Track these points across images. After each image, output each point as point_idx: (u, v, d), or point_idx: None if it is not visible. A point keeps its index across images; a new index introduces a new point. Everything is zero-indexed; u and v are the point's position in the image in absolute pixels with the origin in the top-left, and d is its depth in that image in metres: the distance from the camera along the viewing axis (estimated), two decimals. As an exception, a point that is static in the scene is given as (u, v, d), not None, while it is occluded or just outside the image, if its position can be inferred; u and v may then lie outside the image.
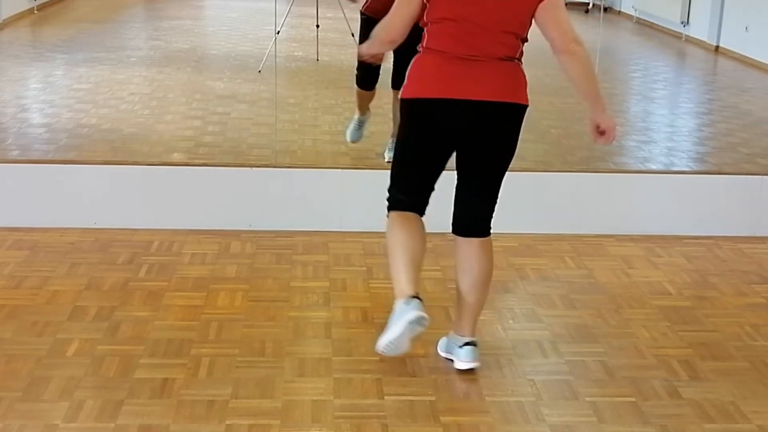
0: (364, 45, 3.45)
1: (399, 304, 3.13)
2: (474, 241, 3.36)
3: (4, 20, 9.69)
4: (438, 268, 4.32)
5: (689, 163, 5.61)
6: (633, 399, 3.23)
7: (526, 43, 3.24)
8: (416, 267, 3.23)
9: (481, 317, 3.83)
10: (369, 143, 5.52)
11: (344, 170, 4.93)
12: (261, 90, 7.00)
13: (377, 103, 5.39)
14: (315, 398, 3.16)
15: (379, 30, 3.30)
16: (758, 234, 4.92)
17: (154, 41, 9.52)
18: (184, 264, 4.32)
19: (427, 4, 3.16)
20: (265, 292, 4.05)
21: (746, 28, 9.69)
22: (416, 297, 3.13)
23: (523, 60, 3.25)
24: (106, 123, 5.93)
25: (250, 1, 12.15)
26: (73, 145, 5.41)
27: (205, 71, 7.90)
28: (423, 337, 3.60)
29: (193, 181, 4.85)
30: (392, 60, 4.76)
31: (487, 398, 3.21)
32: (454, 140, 3.25)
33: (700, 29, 10.66)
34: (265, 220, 4.77)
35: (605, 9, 12.64)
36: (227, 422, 3.00)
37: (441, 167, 3.32)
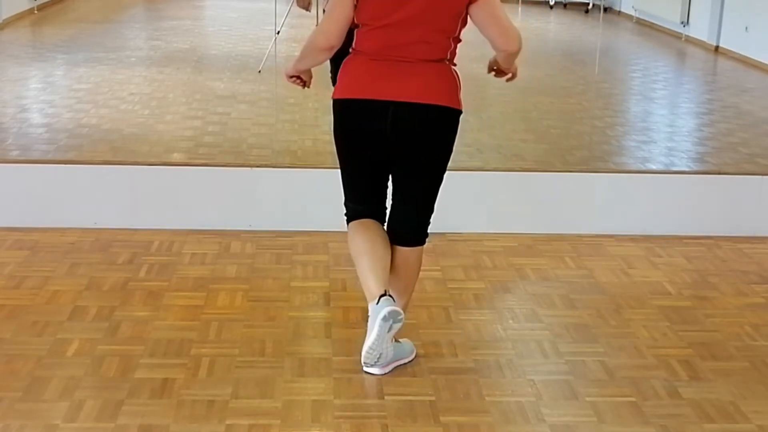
0: (290, 66, 3.33)
1: (371, 307, 3.20)
2: (404, 249, 3.33)
3: (4, 20, 9.69)
4: (438, 268, 4.32)
5: (689, 163, 5.61)
6: (633, 399, 3.23)
7: (460, 44, 3.19)
8: (382, 267, 3.25)
9: (481, 317, 3.85)
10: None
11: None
12: (261, 90, 7.01)
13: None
14: (315, 398, 3.16)
15: (316, 37, 3.21)
16: (758, 234, 4.92)
17: (154, 41, 9.52)
18: (184, 264, 4.32)
19: (357, 6, 3.11)
20: (265, 292, 4.05)
21: (746, 28, 9.69)
22: (385, 294, 3.19)
23: (456, 61, 3.21)
24: (106, 123, 5.93)
25: (250, 1, 12.15)
26: (73, 145, 5.41)
27: (205, 71, 7.90)
28: (423, 337, 3.61)
29: (193, 181, 4.85)
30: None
31: (487, 398, 3.21)
32: (382, 143, 3.19)
33: (700, 29, 10.66)
34: (265, 220, 4.77)
35: (605, 9, 12.66)
36: (227, 422, 3.00)
37: (380, 171, 3.28)
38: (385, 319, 3.14)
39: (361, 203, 3.35)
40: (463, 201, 4.74)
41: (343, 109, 3.22)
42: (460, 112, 3.20)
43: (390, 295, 3.22)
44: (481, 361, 3.46)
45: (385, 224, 3.40)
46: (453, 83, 3.17)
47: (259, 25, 10.01)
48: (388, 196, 3.41)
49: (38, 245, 4.47)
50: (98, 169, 4.89)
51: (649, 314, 3.94)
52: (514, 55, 3.22)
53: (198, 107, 6.48)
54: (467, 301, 4.00)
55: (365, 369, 3.30)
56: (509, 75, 3.36)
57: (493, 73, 3.38)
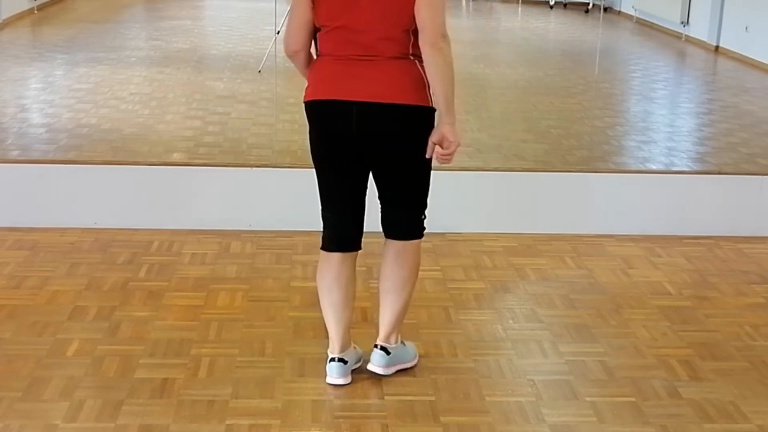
0: None
1: (328, 357, 3.30)
2: (394, 243, 3.25)
3: (4, 20, 9.69)
4: (438, 268, 4.32)
5: (689, 163, 5.61)
6: (633, 399, 3.23)
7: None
8: (343, 324, 3.27)
9: (481, 317, 3.85)
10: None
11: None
12: (261, 90, 7.00)
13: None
14: (315, 398, 3.16)
15: (284, 44, 3.18)
16: (758, 234, 4.92)
17: (154, 41, 9.52)
18: (184, 264, 4.32)
19: (314, 10, 3.06)
20: (265, 292, 4.05)
21: (746, 28, 9.69)
22: (341, 360, 3.26)
23: (420, 54, 3.03)
24: (106, 123, 5.93)
25: (250, 1, 12.15)
26: (73, 145, 5.41)
27: (205, 71, 7.90)
28: (423, 337, 3.61)
29: (193, 181, 4.85)
30: None
31: (487, 398, 3.20)
32: (349, 145, 3.11)
33: (700, 29, 10.66)
34: (265, 220, 4.77)
35: (605, 9, 12.66)
36: (227, 422, 3.00)
37: (354, 174, 3.17)
38: (331, 384, 3.27)
39: (335, 211, 3.24)
40: (463, 201, 4.74)
41: (310, 112, 3.15)
42: (430, 109, 3.06)
43: (344, 361, 3.27)
44: (481, 361, 3.46)
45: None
46: (420, 80, 3.03)
47: (259, 25, 10.01)
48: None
49: (38, 245, 4.47)
50: (98, 169, 4.89)
51: (649, 314, 3.94)
52: (440, 63, 2.97)
53: (198, 107, 6.48)
54: (467, 301, 4.00)
55: (369, 367, 3.29)
56: (452, 147, 3.06)
57: (435, 153, 3.09)
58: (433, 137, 3.08)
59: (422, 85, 3.04)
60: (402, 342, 3.36)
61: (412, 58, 3.05)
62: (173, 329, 3.64)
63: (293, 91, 7.00)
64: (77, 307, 3.81)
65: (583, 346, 3.62)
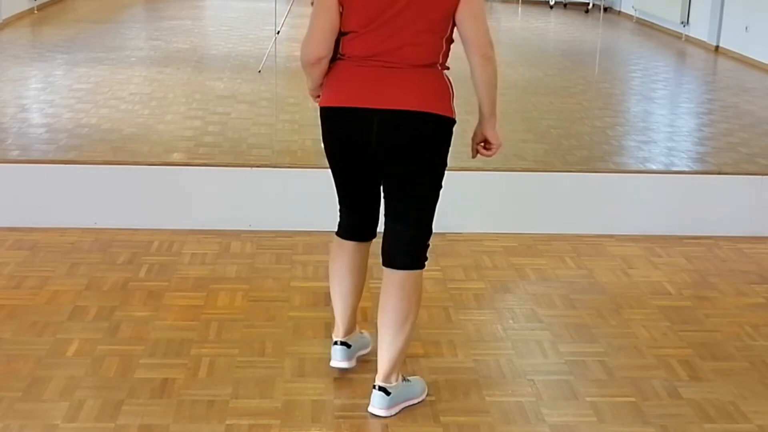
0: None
1: (332, 341, 3.33)
2: (395, 274, 3.05)
3: (4, 20, 9.69)
4: (438, 268, 4.32)
5: (689, 163, 5.61)
6: (633, 399, 3.23)
7: (452, 44, 3.01)
8: (350, 310, 3.31)
9: (481, 317, 3.85)
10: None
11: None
12: (261, 90, 7.00)
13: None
14: (315, 398, 3.16)
15: (302, 52, 2.99)
16: (758, 234, 4.92)
17: (154, 41, 9.52)
18: (184, 264, 4.32)
19: (343, 12, 2.94)
20: (265, 292, 4.05)
21: (746, 28, 9.69)
22: (345, 344, 3.30)
23: (448, 65, 3.02)
24: (106, 123, 5.93)
25: (250, 1, 12.16)
26: (73, 145, 5.41)
27: (205, 71, 7.90)
28: (423, 337, 3.61)
29: (193, 181, 4.85)
30: None
31: (487, 398, 3.21)
32: (367, 154, 3.02)
33: (700, 29, 10.66)
34: (265, 220, 4.77)
35: (605, 9, 12.66)
36: (227, 422, 3.00)
37: (369, 182, 3.13)
38: (335, 368, 3.32)
39: (350, 210, 3.25)
40: (463, 201, 4.74)
41: (327, 118, 3.04)
42: (452, 120, 2.99)
43: (348, 345, 3.30)
44: (481, 361, 3.46)
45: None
46: (444, 89, 2.97)
47: (259, 25, 10.01)
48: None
49: (38, 245, 4.47)
50: (98, 169, 4.89)
51: (649, 314, 3.94)
52: (489, 72, 2.97)
53: (198, 107, 6.48)
54: (467, 301, 4.00)
55: (370, 410, 3.09)
56: (494, 149, 3.13)
57: (478, 150, 3.15)
58: (477, 138, 3.12)
59: (447, 95, 2.97)
60: (405, 378, 3.17)
61: (439, 67, 2.98)
62: (173, 329, 3.64)
63: (293, 91, 7.02)
64: (77, 307, 3.81)
65: (583, 346, 3.63)
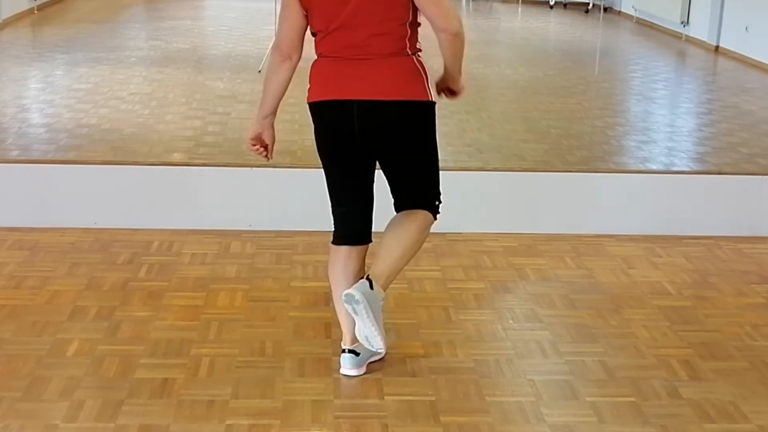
0: (252, 124, 3.40)
1: (342, 348, 3.34)
2: (412, 210, 3.28)
3: (4, 20, 9.69)
4: (438, 268, 4.32)
5: (689, 163, 5.60)
6: (633, 399, 3.23)
7: (419, 27, 3.14)
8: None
9: (481, 317, 3.85)
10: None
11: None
12: (261, 90, 6.97)
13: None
14: (315, 398, 3.16)
15: (272, 53, 3.26)
16: (758, 234, 4.92)
17: (154, 41, 9.52)
18: (184, 264, 4.32)
19: (308, 16, 3.12)
20: (265, 292, 4.05)
21: (746, 28, 9.69)
22: (353, 352, 3.30)
23: (419, 47, 3.15)
24: (106, 123, 5.93)
25: (250, 1, 12.16)
26: (73, 145, 5.41)
27: (205, 71, 7.90)
28: (423, 337, 3.61)
29: (193, 181, 4.85)
30: None
31: (487, 398, 3.21)
32: (353, 142, 3.17)
33: (700, 29, 10.66)
34: (265, 220, 4.77)
35: (605, 9, 12.66)
36: (227, 422, 3.00)
37: (361, 169, 3.25)
38: (344, 374, 3.30)
39: (344, 207, 3.31)
40: (463, 201, 4.74)
41: (314, 113, 3.23)
42: (430, 103, 3.14)
43: (356, 353, 3.30)
44: (481, 361, 3.46)
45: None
46: (417, 74, 3.11)
47: (259, 25, 10.01)
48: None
49: (38, 245, 4.47)
50: (98, 169, 4.89)
51: (649, 314, 3.94)
52: (457, 45, 3.11)
53: (198, 107, 6.48)
54: (467, 301, 4.00)
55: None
56: (459, 93, 3.29)
57: (443, 94, 3.30)
58: (440, 85, 3.24)
59: (420, 79, 3.11)
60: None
61: (409, 52, 3.11)
62: (173, 329, 3.64)
63: (293, 91, 6.96)
64: (77, 307, 3.81)
65: (583, 346, 3.63)
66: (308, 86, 3.24)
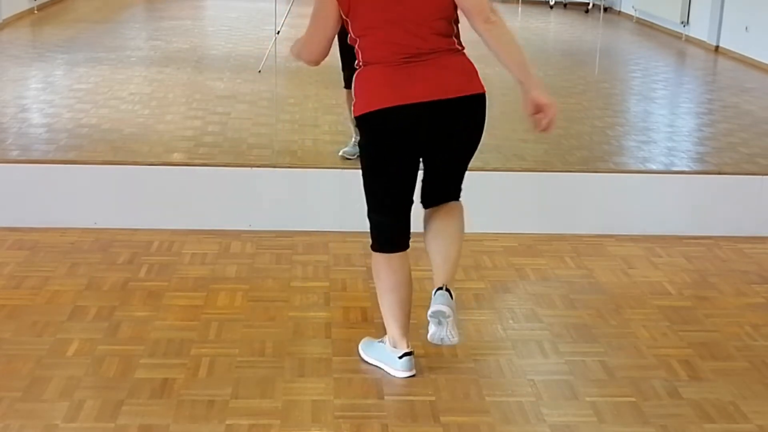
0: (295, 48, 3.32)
1: (392, 353, 3.30)
2: (449, 203, 3.32)
3: (4, 20, 9.69)
4: (438, 268, 4.31)
5: (689, 163, 5.61)
6: (633, 399, 3.23)
7: (458, 24, 3.14)
8: (408, 317, 3.31)
9: (482, 317, 3.85)
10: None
11: (344, 170, 4.92)
12: (261, 90, 7.00)
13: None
14: (315, 398, 3.16)
15: (299, 51, 3.23)
16: (758, 234, 4.92)
17: (154, 41, 9.52)
18: (184, 264, 4.32)
19: (348, 20, 3.05)
20: (265, 292, 4.05)
21: (746, 28, 9.69)
22: (409, 353, 3.29)
23: (463, 43, 3.16)
24: (106, 123, 5.93)
25: (250, 1, 12.15)
26: (73, 145, 5.41)
27: (205, 71, 7.90)
28: (423, 337, 3.60)
29: (193, 181, 4.85)
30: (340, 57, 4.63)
31: (487, 398, 3.21)
32: (417, 146, 3.14)
33: (700, 29, 10.66)
34: (265, 220, 4.77)
35: (605, 9, 12.65)
36: (227, 422, 3.00)
37: (413, 177, 3.21)
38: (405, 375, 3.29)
39: (390, 215, 3.24)
40: (463, 201, 4.73)
41: (372, 122, 3.08)
42: (485, 94, 3.18)
43: (412, 353, 3.30)
44: (481, 361, 3.46)
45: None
46: (472, 69, 3.13)
47: (259, 25, 10.01)
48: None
49: (38, 245, 4.47)
50: (98, 169, 4.89)
51: (649, 314, 3.94)
52: (505, 32, 3.08)
53: (198, 107, 6.48)
54: (467, 301, 4.00)
55: (438, 308, 3.14)
56: (550, 111, 3.18)
57: (538, 118, 3.19)
58: (529, 109, 3.12)
59: (476, 72, 3.15)
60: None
61: (459, 48, 3.13)
62: (173, 329, 3.64)
63: (293, 91, 7.02)
64: (77, 307, 3.81)
65: (583, 346, 3.62)
66: (353, 100, 3.14)
